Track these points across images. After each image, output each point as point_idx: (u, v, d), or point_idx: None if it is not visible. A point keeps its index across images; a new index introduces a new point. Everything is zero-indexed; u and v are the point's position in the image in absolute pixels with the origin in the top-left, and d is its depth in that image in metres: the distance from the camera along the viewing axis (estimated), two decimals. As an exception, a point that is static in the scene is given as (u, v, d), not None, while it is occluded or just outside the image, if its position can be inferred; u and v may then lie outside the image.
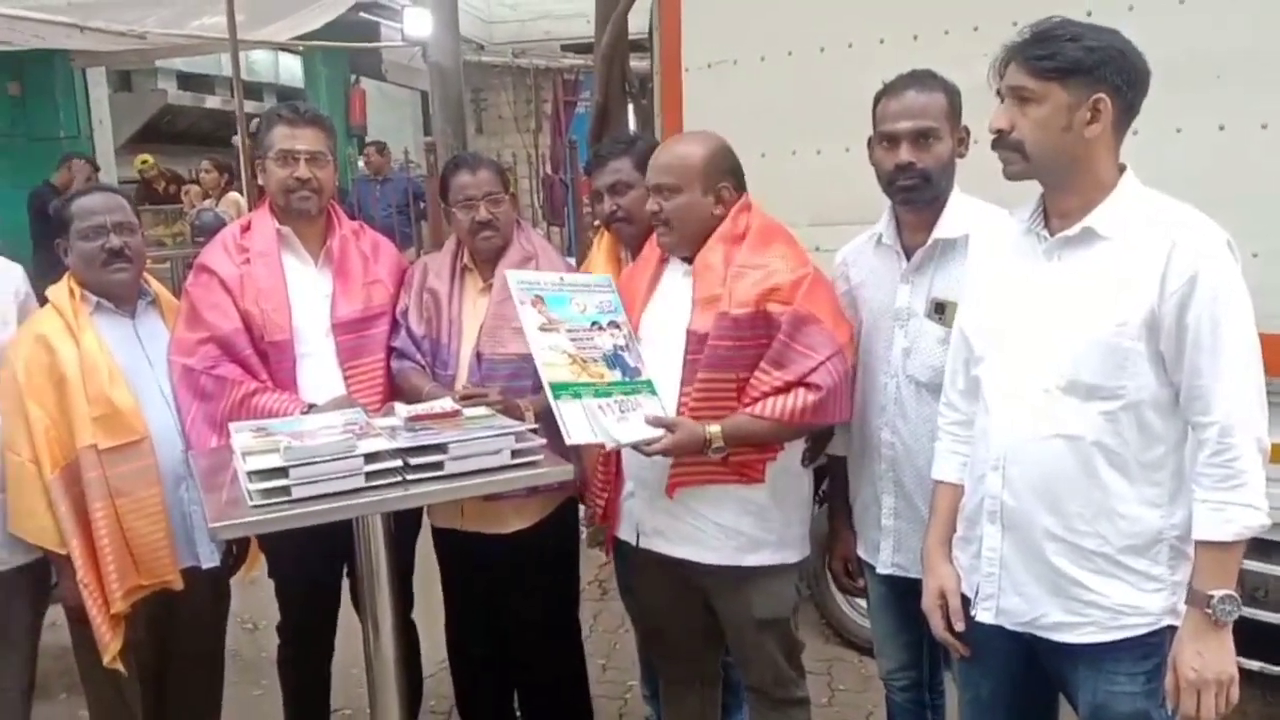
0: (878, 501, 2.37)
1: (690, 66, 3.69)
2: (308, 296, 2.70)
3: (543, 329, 2.35)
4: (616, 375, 2.33)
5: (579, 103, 10.12)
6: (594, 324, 2.41)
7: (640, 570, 2.58)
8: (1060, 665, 1.91)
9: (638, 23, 4.76)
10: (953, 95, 2.22)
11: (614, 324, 2.44)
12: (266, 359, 2.62)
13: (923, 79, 2.23)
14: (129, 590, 2.45)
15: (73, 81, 11.29)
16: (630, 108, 5.39)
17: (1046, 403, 1.81)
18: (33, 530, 2.44)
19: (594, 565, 4.52)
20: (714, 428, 2.23)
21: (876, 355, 2.34)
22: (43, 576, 2.59)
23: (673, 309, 2.38)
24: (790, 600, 2.48)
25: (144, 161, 11.06)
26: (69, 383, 2.42)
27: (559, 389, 2.24)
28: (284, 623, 2.94)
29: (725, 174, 2.37)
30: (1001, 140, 1.83)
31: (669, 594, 2.53)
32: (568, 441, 2.18)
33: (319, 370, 2.66)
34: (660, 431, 2.22)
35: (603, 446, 2.27)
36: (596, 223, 5.25)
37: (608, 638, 4.07)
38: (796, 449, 2.40)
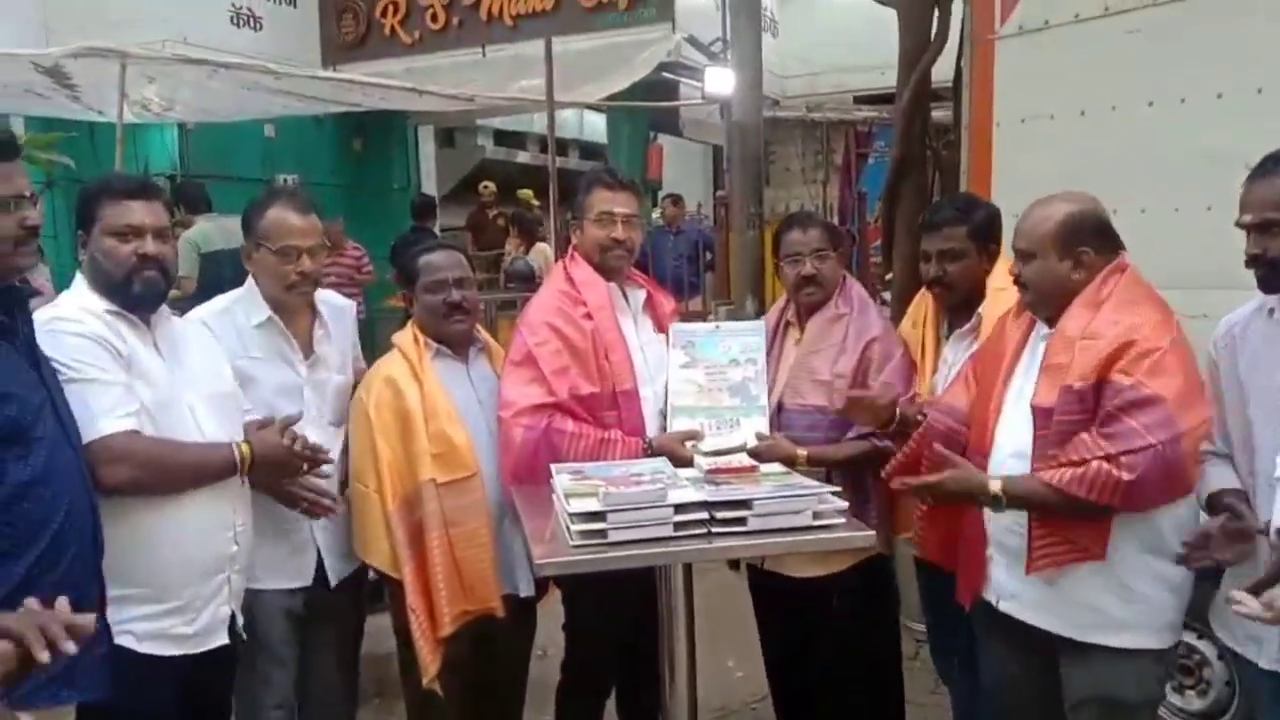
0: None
1: (1002, 120, 3.61)
2: (633, 345, 2.84)
3: (683, 366, 2.81)
4: (736, 402, 2.72)
5: (870, 153, 10.02)
6: (732, 361, 2.79)
7: (988, 633, 2.50)
8: None
9: (940, 71, 4.70)
10: None
11: (751, 360, 2.78)
12: (617, 407, 2.75)
13: (1274, 163, 2.05)
14: (457, 615, 2.65)
15: (405, 138, 12.52)
16: (930, 160, 5.29)
17: None
18: (374, 554, 2.68)
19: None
20: (996, 482, 2.17)
21: (1264, 447, 2.08)
22: (360, 587, 2.84)
23: (1029, 380, 2.30)
24: (1140, 689, 2.27)
25: (486, 187, 11.93)
26: (413, 421, 2.65)
27: (679, 411, 2.75)
28: (569, 657, 3.04)
29: (1086, 237, 2.26)
30: None
31: (1013, 658, 2.44)
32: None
33: (652, 414, 2.82)
34: (740, 440, 2.59)
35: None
36: (888, 276, 5.23)
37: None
38: (1160, 523, 2.19)
